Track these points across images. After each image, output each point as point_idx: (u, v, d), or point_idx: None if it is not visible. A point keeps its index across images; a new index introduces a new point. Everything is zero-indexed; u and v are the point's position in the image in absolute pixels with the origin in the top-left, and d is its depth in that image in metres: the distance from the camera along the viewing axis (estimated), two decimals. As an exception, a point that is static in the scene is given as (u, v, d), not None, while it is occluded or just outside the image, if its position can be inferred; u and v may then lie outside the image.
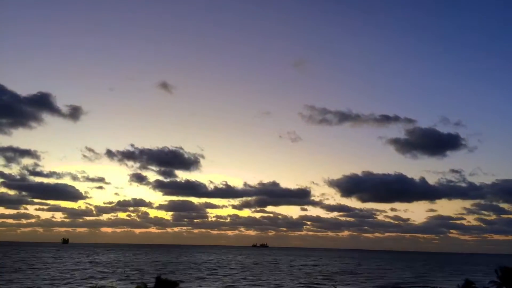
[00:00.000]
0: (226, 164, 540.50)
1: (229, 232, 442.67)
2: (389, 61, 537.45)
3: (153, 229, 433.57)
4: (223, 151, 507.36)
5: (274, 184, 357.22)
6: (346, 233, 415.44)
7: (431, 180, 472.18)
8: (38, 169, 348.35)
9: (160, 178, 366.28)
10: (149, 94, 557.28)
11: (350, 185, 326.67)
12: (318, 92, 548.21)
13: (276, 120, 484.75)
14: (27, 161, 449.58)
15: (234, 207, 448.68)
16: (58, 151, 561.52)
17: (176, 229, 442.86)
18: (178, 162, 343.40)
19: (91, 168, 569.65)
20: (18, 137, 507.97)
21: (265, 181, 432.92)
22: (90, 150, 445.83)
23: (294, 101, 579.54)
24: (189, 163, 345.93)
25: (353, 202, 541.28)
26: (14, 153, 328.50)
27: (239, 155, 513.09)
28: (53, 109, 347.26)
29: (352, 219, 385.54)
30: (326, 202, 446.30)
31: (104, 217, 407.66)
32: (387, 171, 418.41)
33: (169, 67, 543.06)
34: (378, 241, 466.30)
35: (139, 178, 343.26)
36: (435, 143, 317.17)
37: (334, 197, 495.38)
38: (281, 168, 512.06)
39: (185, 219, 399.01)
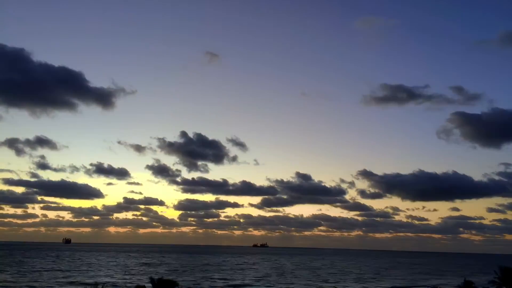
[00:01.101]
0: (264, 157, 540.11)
1: (236, 232, 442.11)
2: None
3: (158, 229, 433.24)
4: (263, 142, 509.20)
5: (306, 178, 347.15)
6: (356, 233, 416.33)
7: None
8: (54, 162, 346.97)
9: (185, 173, 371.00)
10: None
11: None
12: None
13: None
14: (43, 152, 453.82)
15: (251, 205, 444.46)
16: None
17: (185, 229, 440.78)
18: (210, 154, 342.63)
19: (112, 159, 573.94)
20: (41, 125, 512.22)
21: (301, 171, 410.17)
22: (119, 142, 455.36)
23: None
24: (222, 155, 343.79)
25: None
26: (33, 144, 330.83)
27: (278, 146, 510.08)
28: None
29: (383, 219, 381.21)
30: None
31: (115, 216, 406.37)
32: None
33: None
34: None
35: (161, 172, 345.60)
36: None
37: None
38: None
39: (193, 218, 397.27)
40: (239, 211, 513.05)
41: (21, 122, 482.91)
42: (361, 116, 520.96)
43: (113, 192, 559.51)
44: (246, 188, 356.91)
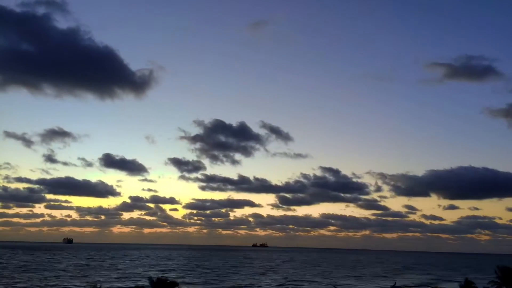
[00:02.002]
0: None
1: (241, 232, 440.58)
2: None
3: (163, 229, 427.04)
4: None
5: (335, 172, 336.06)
6: (362, 233, 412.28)
7: None
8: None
9: (209, 168, 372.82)
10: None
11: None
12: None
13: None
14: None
15: (269, 204, 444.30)
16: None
17: (189, 229, 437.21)
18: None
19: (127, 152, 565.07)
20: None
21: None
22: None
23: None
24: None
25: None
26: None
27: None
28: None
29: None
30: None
31: (122, 215, 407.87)
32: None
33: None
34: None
35: (182, 166, 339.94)
36: None
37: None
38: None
39: (201, 218, 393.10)
40: (255, 210, 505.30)
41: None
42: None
43: (126, 189, 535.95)
44: (266, 186, 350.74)
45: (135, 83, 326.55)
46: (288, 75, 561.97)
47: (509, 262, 47.77)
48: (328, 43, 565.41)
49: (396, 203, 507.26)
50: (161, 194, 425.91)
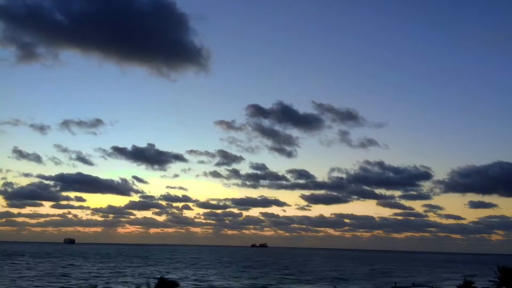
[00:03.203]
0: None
1: (246, 232, 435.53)
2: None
3: (170, 229, 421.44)
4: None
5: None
6: (371, 233, 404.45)
7: None
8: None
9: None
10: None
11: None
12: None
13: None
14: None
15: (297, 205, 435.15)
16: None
17: (199, 229, 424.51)
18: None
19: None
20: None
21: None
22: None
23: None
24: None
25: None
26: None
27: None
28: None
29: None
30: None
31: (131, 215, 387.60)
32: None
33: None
34: None
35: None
36: None
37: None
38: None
39: (213, 217, 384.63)
40: (275, 209, 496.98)
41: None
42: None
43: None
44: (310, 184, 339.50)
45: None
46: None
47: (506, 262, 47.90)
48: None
49: (416, 204, 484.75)
50: (184, 192, 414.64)
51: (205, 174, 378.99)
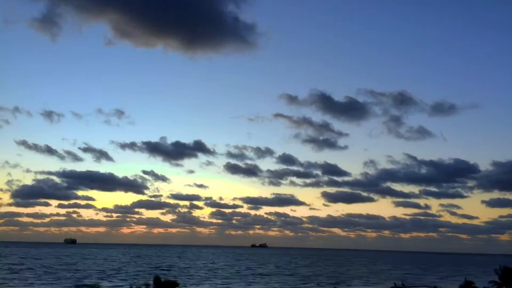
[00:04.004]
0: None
1: (251, 232, 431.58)
2: None
3: (173, 229, 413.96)
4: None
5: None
6: (377, 233, 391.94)
7: None
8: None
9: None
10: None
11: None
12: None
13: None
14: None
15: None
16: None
17: (203, 229, 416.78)
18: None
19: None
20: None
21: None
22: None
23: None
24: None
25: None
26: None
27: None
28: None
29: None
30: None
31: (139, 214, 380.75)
32: None
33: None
34: None
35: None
36: None
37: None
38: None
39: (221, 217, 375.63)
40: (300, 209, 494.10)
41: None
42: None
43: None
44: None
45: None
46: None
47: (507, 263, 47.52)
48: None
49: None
50: (200, 190, 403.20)
51: (226, 170, 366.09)
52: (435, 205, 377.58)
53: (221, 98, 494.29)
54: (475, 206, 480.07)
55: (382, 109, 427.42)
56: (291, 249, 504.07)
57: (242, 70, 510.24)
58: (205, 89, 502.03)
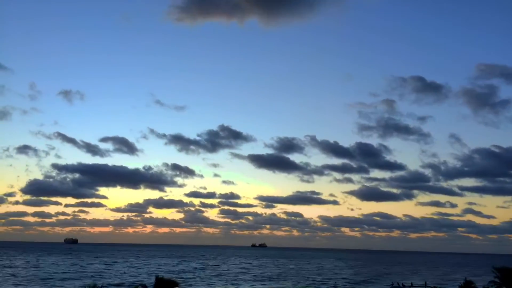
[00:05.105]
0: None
1: (255, 232, 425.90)
2: None
3: (177, 229, 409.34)
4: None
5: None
6: (384, 234, 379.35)
7: None
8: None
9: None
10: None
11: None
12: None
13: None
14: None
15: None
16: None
17: (210, 229, 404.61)
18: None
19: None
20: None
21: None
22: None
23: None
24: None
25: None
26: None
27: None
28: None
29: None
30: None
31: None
32: None
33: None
34: None
35: None
36: None
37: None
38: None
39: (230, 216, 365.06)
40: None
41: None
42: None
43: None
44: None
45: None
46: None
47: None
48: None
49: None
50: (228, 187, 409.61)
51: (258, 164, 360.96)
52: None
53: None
54: None
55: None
56: (297, 249, 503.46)
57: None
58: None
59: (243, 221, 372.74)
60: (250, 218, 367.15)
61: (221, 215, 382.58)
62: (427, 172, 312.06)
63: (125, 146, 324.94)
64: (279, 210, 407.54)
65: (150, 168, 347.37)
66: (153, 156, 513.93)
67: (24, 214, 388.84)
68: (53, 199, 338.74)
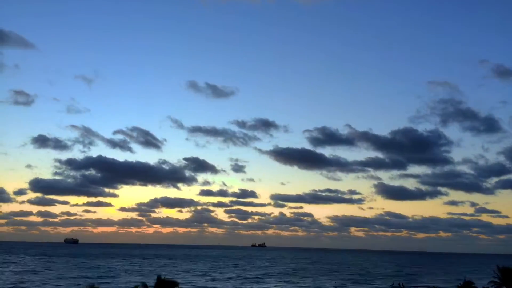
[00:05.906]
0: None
1: (259, 232, 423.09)
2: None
3: (179, 229, 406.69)
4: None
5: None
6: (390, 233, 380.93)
7: None
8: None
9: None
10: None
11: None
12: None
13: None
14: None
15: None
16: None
17: (213, 229, 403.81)
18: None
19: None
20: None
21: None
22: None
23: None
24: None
25: None
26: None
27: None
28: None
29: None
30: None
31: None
32: None
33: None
34: None
35: None
36: None
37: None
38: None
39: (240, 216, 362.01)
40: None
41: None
42: None
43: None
44: None
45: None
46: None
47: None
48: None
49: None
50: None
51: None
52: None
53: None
54: None
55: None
56: (302, 249, 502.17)
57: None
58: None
59: (250, 220, 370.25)
60: (259, 217, 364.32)
61: (228, 215, 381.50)
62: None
63: (143, 138, 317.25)
64: (290, 210, 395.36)
65: (167, 162, 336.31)
66: (173, 150, 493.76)
67: (29, 213, 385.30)
68: (61, 198, 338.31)
